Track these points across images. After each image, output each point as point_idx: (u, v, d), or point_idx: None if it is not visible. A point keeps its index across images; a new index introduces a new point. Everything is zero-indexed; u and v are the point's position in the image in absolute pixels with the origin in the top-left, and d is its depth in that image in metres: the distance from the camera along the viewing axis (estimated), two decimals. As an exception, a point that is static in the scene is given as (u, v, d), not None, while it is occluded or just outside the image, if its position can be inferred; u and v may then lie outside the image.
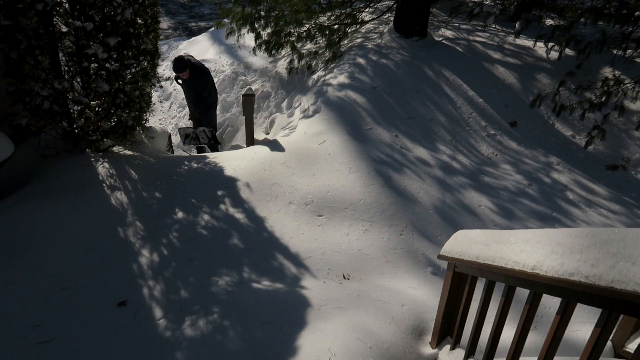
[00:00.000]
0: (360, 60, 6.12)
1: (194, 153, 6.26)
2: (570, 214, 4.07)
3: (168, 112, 7.46)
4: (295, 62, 6.95)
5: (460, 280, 2.34)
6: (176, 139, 6.66)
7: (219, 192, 4.04)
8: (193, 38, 9.48)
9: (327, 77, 5.98)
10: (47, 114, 3.73)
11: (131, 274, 3.06)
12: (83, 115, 3.89)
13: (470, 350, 2.14)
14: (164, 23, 10.61)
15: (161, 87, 6.15)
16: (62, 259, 3.02)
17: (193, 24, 11.38)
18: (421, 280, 3.26)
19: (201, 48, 8.69)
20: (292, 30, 6.76)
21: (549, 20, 7.28)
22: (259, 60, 7.71)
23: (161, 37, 5.24)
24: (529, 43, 6.52)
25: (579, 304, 1.46)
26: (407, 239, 3.63)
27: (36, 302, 2.67)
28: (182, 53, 8.89)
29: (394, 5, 7.08)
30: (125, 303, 2.79)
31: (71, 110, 3.91)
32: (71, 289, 2.82)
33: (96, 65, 3.88)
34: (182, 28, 11.10)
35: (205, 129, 5.63)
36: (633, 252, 1.16)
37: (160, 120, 7.15)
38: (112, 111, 4.19)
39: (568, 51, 5.92)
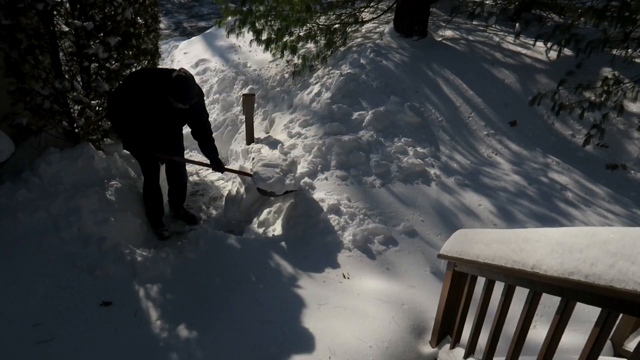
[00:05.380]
0: (360, 60, 6.12)
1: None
2: (570, 214, 4.08)
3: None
4: (296, 61, 6.96)
5: (460, 279, 2.35)
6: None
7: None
8: (193, 38, 9.48)
9: (327, 76, 5.99)
10: (48, 113, 3.74)
11: (131, 272, 3.06)
12: (83, 115, 3.89)
13: (470, 349, 2.15)
14: (164, 23, 10.61)
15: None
16: (62, 257, 3.02)
17: (193, 23, 11.38)
18: (421, 279, 3.26)
19: (201, 48, 8.70)
20: (293, 30, 6.76)
21: (549, 20, 7.29)
22: (259, 59, 7.71)
23: (161, 36, 5.23)
24: (529, 43, 6.52)
25: (578, 303, 1.46)
26: (407, 238, 3.64)
27: (37, 301, 2.68)
28: (182, 53, 8.90)
29: (394, 5, 7.09)
30: (110, 304, 2.77)
31: (71, 110, 3.91)
32: (71, 288, 2.83)
33: (96, 64, 3.89)
34: (181, 28, 11.10)
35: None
36: (632, 251, 1.16)
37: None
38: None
39: (567, 51, 5.92)
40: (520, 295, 1.81)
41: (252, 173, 3.94)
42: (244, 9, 6.63)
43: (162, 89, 3.20)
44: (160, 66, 5.52)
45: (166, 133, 3.59)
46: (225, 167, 3.95)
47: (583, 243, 1.33)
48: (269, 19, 6.74)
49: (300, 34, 6.81)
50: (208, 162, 3.91)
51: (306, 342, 2.42)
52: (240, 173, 4.15)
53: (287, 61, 7.24)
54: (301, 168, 4.36)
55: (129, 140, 3.51)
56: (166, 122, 3.47)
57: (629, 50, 5.51)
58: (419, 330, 2.67)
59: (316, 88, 5.74)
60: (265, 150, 4.98)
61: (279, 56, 7.12)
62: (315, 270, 3.25)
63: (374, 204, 3.93)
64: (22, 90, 3.60)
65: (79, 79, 3.94)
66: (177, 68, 3.29)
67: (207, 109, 7.23)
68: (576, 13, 6.04)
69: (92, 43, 3.70)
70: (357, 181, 4.19)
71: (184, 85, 3.16)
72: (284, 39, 6.71)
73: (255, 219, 4.11)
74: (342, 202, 3.89)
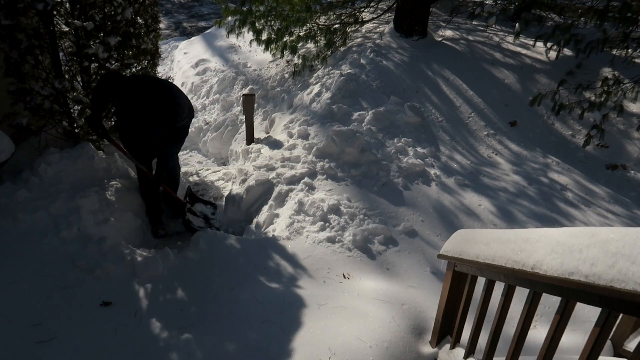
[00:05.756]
0: (360, 60, 6.12)
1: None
2: (570, 214, 4.08)
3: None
4: (296, 61, 6.96)
5: (460, 279, 2.35)
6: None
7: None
8: (193, 38, 9.49)
9: (327, 76, 5.99)
10: (48, 113, 3.73)
11: (131, 272, 3.06)
12: (83, 115, 3.89)
13: (470, 349, 2.15)
14: (164, 23, 10.62)
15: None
16: (62, 257, 3.02)
17: (193, 23, 11.38)
18: (421, 279, 3.26)
19: (201, 48, 8.71)
20: (293, 30, 6.77)
21: (549, 20, 7.29)
22: (259, 59, 7.71)
23: (161, 36, 5.22)
24: (529, 43, 6.53)
25: (578, 303, 1.46)
26: (407, 238, 3.64)
27: (37, 302, 2.67)
28: (182, 53, 8.89)
29: (394, 5, 7.09)
30: (110, 304, 2.77)
31: (71, 110, 3.91)
32: (71, 288, 2.83)
33: (97, 64, 3.88)
34: (181, 28, 11.10)
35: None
36: (632, 251, 1.16)
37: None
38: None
39: (567, 51, 5.92)
40: (520, 295, 1.81)
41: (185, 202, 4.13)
42: (244, 9, 6.64)
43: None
44: (160, 66, 5.51)
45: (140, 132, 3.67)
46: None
47: (583, 243, 1.32)
48: (269, 19, 6.75)
49: (300, 34, 6.82)
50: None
51: (306, 342, 2.42)
52: (176, 198, 4.13)
53: (287, 61, 7.25)
54: (301, 168, 4.36)
55: (94, 118, 3.56)
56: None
57: (629, 50, 5.51)
58: (419, 330, 2.67)
59: (316, 88, 5.75)
60: (265, 150, 4.98)
61: (279, 56, 7.13)
62: (315, 270, 3.25)
63: (374, 204, 3.93)
64: (22, 90, 3.60)
65: (79, 79, 3.94)
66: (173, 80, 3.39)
67: (207, 108, 7.25)
68: (576, 13, 6.03)
69: (92, 43, 3.69)
70: (357, 181, 4.19)
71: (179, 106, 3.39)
72: (284, 39, 6.72)
73: (255, 219, 4.11)
74: (342, 202, 3.89)
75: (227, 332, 2.59)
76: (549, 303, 2.98)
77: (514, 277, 1.75)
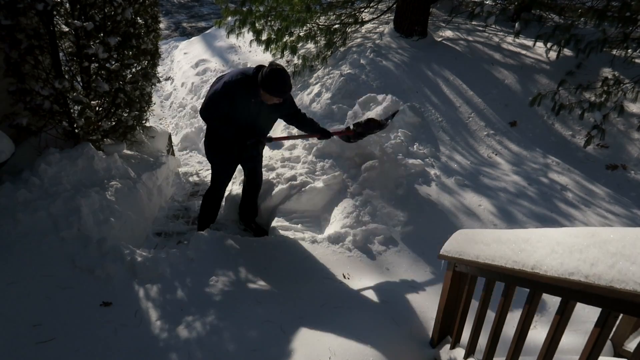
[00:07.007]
0: (360, 60, 6.12)
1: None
2: (570, 215, 4.08)
3: (168, 111, 7.47)
4: (296, 61, 6.96)
5: (460, 279, 2.35)
6: (176, 139, 6.61)
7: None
8: (193, 38, 9.49)
9: (327, 76, 5.99)
10: (48, 113, 3.73)
11: (131, 272, 3.06)
12: (83, 115, 3.89)
13: (470, 349, 2.15)
14: (164, 23, 10.62)
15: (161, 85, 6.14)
16: (62, 257, 3.02)
17: (193, 23, 11.38)
18: (421, 279, 3.26)
19: (201, 48, 8.71)
20: (293, 30, 6.78)
21: (549, 20, 7.29)
22: (259, 60, 7.71)
23: (161, 36, 5.22)
24: (528, 43, 6.53)
25: (578, 304, 1.46)
26: (407, 238, 3.64)
27: (37, 302, 2.67)
28: (182, 53, 8.87)
29: (394, 5, 7.09)
30: (110, 304, 2.77)
31: (71, 110, 3.91)
32: (71, 288, 2.83)
33: (96, 65, 3.88)
34: (181, 28, 11.10)
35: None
36: (633, 251, 1.16)
37: (160, 120, 7.15)
38: (112, 111, 4.20)
39: (567, 51, 5.92)
40: (521, 295, 1.81)
41: (353, 129, 3.87)
42: (244, 9, 6.65)
43: (255, 87, 3.07)
44: (160, 66, 5.51)
45: (258, 134, 3.45)
46: (331, 131, 3.80)
47: (583, 243, 1.33)
48: (269, 19, 6.75)
49: (300, 34, 6.82)
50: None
51: (306, 342, 2.42)
52: (343, 133, 3.95)
53: (287, 61, 7.25)
54: (301, 168, 4.36)
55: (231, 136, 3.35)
56: (259, 122, 3.36)
57: (629, 50, 5.51)
58: (419, 330, 2.67)
59: (316, 88, 5.75)
60: (265, 150, 4.98)
61: (279, 56, 7.13)
62: (315, 270, 3.25)
63: (374, 204, 3.93)
64: (22, 91, 3.60)
65: (79, 79, 3.93)
66: (267, 64, 3.11)
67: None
68: (576, 13, 6.04)
69: (92, 43, 3.69)
70: (356, 181, 4.19)
71: (281, 77, 3.01)
72: (284, 39, 6.72)
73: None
74: (342, 202, 3.89)
75: (227, 332, 2.58)
76: (549, 303, 2.98)
77: (514, 278, 1.75)
